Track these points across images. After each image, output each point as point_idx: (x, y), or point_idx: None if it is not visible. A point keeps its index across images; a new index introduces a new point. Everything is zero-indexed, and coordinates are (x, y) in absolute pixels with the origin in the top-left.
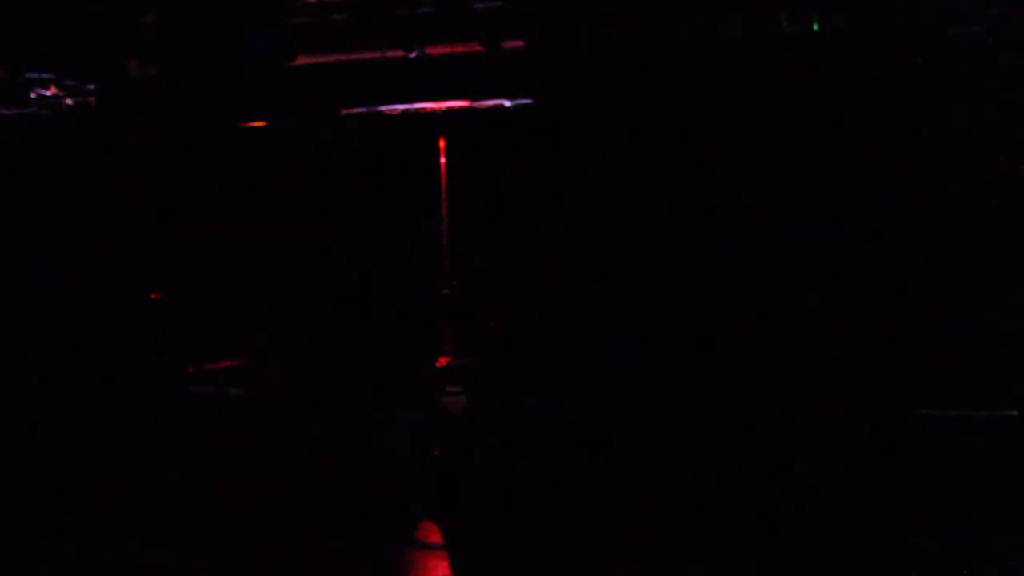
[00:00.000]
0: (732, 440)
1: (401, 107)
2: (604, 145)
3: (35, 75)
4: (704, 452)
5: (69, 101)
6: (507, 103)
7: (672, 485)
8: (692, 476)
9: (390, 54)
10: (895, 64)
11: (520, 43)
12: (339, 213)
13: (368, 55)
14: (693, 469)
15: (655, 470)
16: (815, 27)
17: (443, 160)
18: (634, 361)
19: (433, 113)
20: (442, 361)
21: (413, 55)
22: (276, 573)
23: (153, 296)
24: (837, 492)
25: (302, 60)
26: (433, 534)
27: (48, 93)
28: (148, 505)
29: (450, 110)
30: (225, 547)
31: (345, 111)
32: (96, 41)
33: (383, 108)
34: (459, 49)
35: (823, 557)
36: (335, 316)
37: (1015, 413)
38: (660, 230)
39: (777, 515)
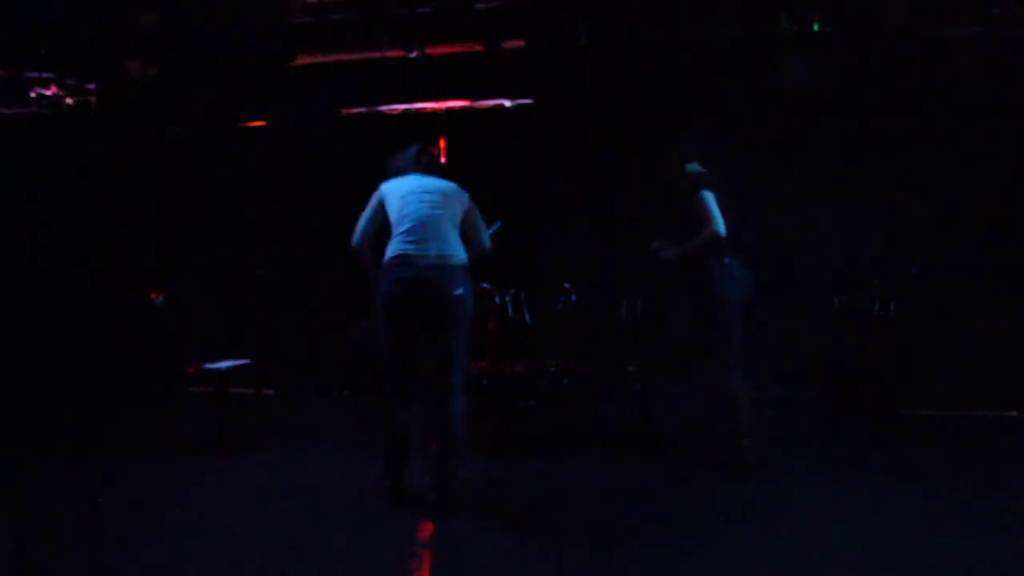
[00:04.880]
0: None
1: (401, 107)
2: (604, 145)
3: (35, 75)
4: None
5: (69, 101)
6: (507, 103)
7: None
8: None
9: (390, 54)
10: (895, 64)
11: (520, 43)
12: (338, 213)
13: (368, 55)
14: None
15: None
16: (815, 27)
17: (443, 160)
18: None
19: (433, 113)
20: None
21: (413, 55)
22: (275, 574)
23: (153, 296)
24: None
25: (302, 60)
26: (433, 533)
27: (48, 93)
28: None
29: (450, 110)
30: (221, 549)
31: (345, 111)
32: (96, 41)
33: (383, 108)
34: (459, 49)
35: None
36: (335, 316)
37: (1015, 413)
38: (660, 229)
39: None
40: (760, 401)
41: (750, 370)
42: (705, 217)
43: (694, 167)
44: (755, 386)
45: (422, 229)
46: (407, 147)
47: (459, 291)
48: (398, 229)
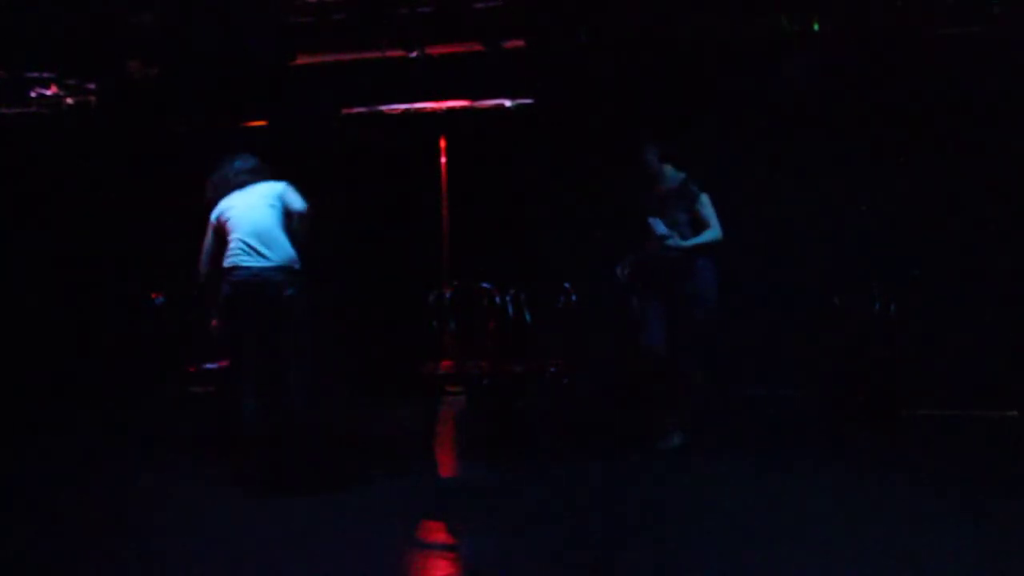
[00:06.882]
0: None
1: (401, 107)
2: (603, 145)
3: (35, 75)
4: None
5: (69, 101)
6: (507, 103)
7: None
8: None
9: (390, 54)
10: (895, 64)
11: (520, 43)
12: (339, 213)
13: (368, 55)
14: None
15: None
16: (815, 27)
17: (443, 160)
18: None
19: (433, 113)
20: (445, 364)
21: (413, 55)
22: (275, 574)
23: (153, 296)
24: None
25: (302, 60)
26: (433, 533)
27: (48, 93)
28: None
29: (450, 110)
30: (221, 549)
31: (345, 111)
32: (96, 41)
33: (383, 108)
34: (459, 49)
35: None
36: (334, 316)
37: (1015, 413)
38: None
39: None
40: (760, 401)
41: (750, 371)
42: (710, 220)
43: (671, 170)
44: (755, 386)
45: (254, 238)
46: (221, 167)
47: (290, 291)
48: (232, 241)
